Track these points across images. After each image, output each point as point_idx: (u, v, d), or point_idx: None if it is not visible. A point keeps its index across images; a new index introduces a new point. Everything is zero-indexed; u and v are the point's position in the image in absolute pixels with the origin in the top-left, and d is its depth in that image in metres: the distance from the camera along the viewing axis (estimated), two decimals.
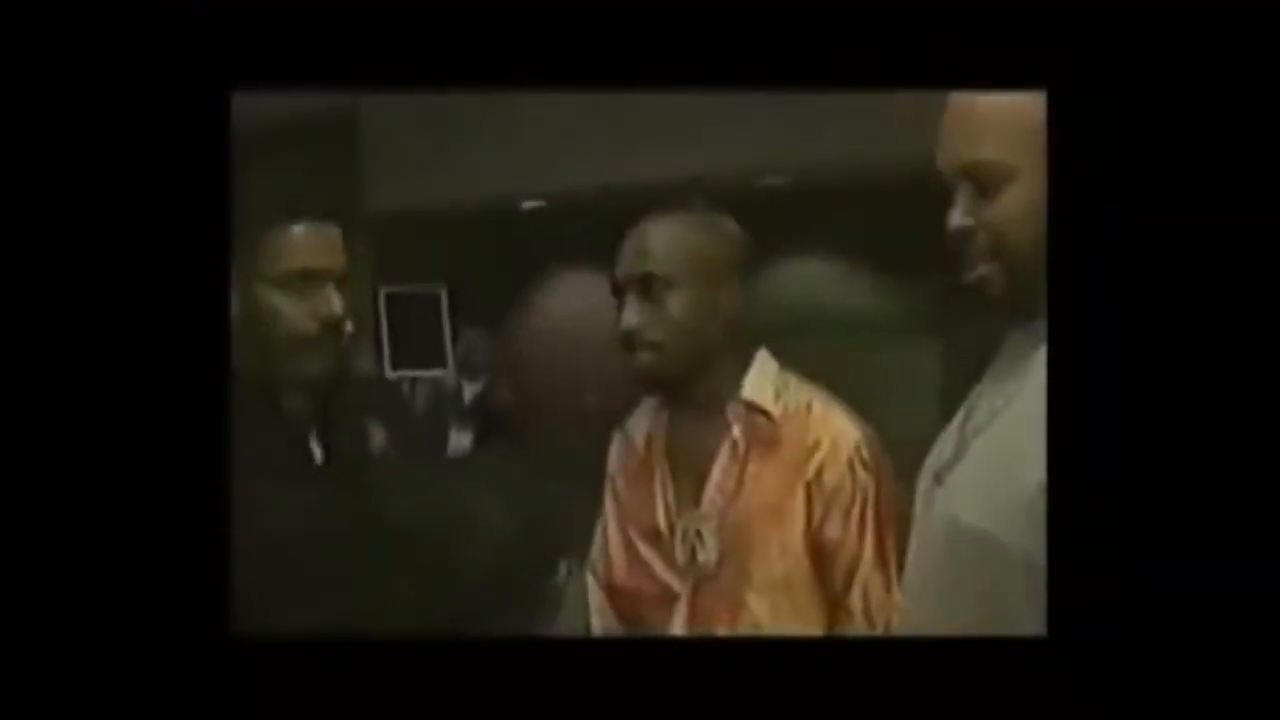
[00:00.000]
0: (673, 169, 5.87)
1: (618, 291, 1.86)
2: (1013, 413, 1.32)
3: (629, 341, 1.84)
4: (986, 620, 1.29)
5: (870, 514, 1.80)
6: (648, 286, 1.83)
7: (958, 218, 1.33)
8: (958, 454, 1.37)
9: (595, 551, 1.99)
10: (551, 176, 6.36)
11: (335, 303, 1.85)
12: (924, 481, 1.45)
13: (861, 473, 1.82)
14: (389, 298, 7.39)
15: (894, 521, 1.79)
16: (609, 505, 1.98)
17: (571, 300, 7.23)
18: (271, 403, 1.86)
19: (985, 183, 1.31)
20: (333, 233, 1.90)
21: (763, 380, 1.89)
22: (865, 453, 1.83)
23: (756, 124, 5.65)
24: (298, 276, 1.84)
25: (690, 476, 1.86)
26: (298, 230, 1.86)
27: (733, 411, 1.87)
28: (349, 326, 1.88)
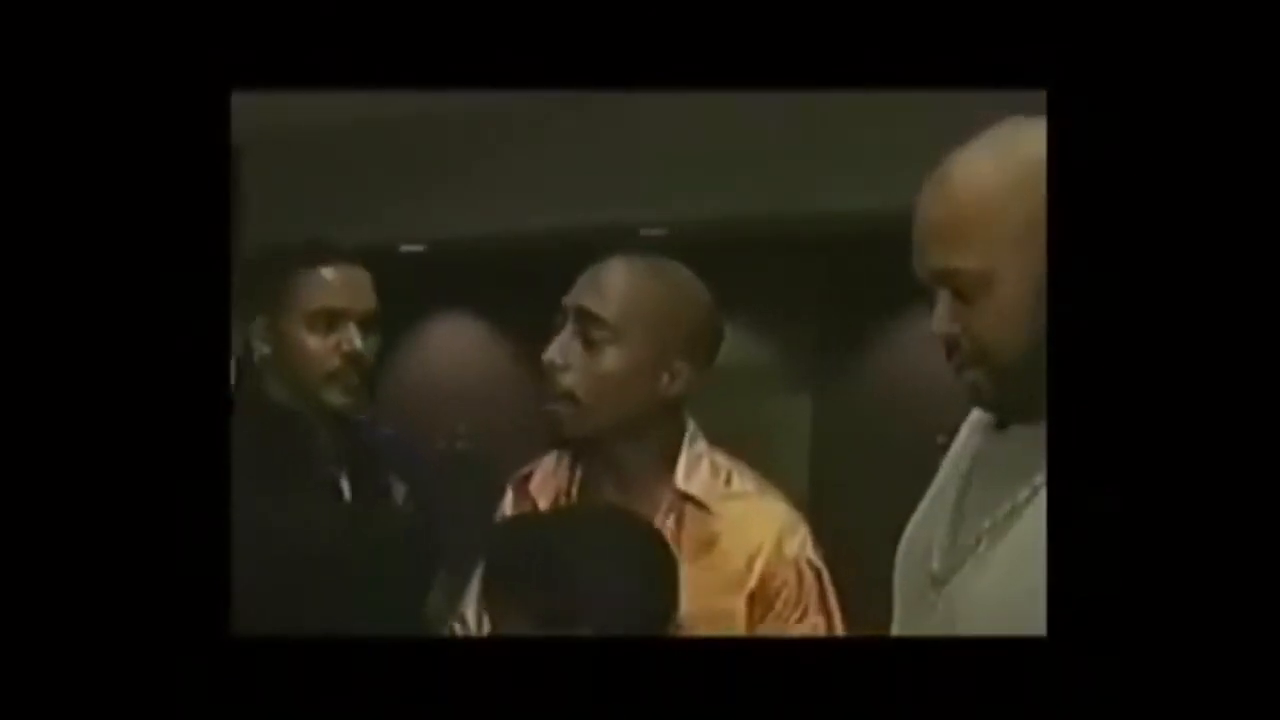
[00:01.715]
0: (556, 217, 5.87)
1: (561, 318, 1.62)
2: (1025, 526, 1.25)
3: (548, 376, 1.60)
4: None
5: (819, 617, 1.62)
6: (586, 328, 1.59)
7: (941, 324, 1.25)
8: (960, 559, 1.29)
9: (468, 610, 1.74)
10: (431, 221, 6.27)
11: (356, 339, 1.97)
12: (911, 576, 1.37)
13: (809, 575, 1.62)
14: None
15: (838, 613, 1.64)
16: None
17: (447, 345, 7.07)
18: (307, 437, 1.99)
19: (963, 289, 1.22)
20: (359, 274, 2.04)
21: (695, 463, 1.64)
22: (811, 553, 1.63)
23: (641, 174, 5.59)
24: (322, 315, 1.98)
25: None
26: (325, 271, 2.01)
27: (665, 500, 1.62)
28: (359, 368, 1.99)
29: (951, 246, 1.22)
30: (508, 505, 1.74)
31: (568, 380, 1.57)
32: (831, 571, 1.67)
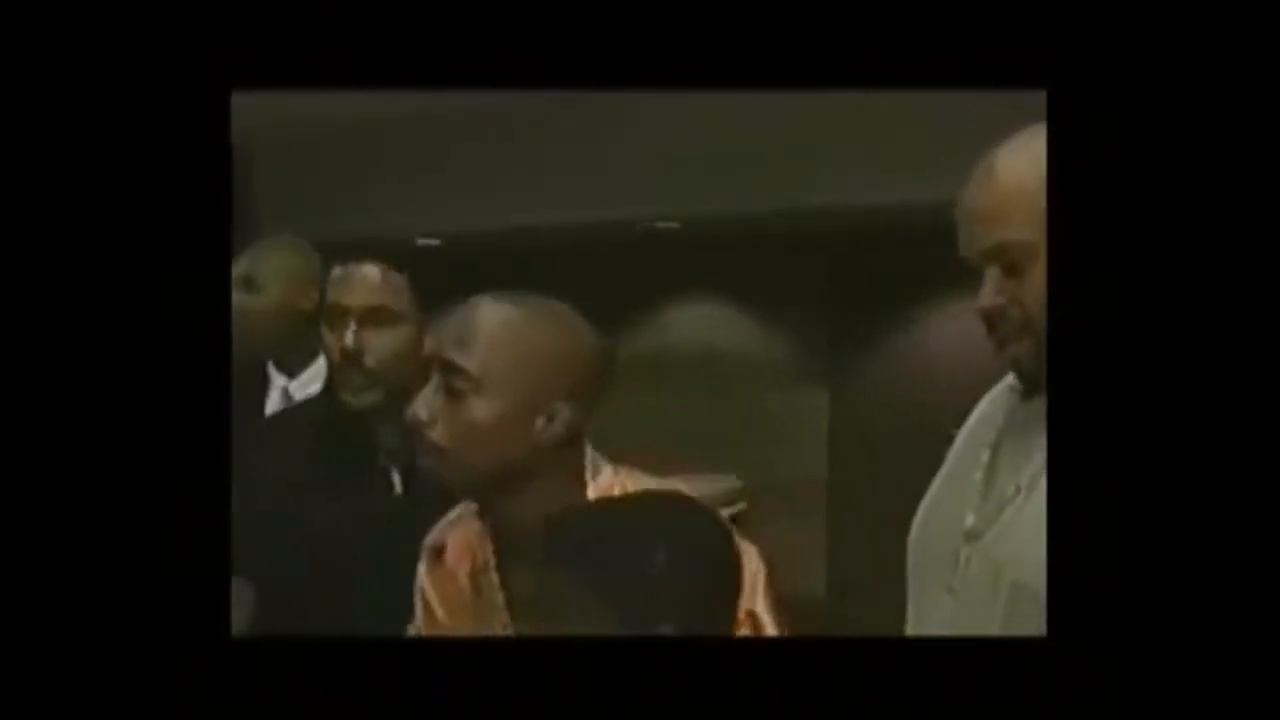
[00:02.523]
0: (571, 211, 5.87)
1: (425, 365, 1.52)
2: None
3: (414, 432, 1.51)
4: None
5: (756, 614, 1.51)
6: (449, 378, 1.48)
7: (988, 297, 1.34)
8: (996, 512, 1.37)
9: None
10: (448, 215, 6.30)
11: (348, 336, 2.03)
12: (937, 540, 1.44)
13: (767, 622, 1.51)
14: None
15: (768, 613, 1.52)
16: (436, 631, 1.63)
17: None
18: (365, 430, 2.07)
19: (1012, 262, 1.32)
20: (363, 270, 2.10)
21: (607, 494, 1.54)
22: (764, 586, 1.51)
23: (654, 169, 5.61)
24: (329, 312, 2.09)
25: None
26: (335, 268, 2.12)
27: None
28: (370, 362, 2.05)
29: (999, 224, 1.32)
30: (425, 584, 1.64)
31: (434, 434, 1.48)
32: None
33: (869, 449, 6.20)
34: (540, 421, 1.48)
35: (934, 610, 1.44)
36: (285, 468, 2.13)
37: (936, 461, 1.55)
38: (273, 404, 2.67)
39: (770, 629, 1.49)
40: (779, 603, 1.52)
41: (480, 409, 1.47)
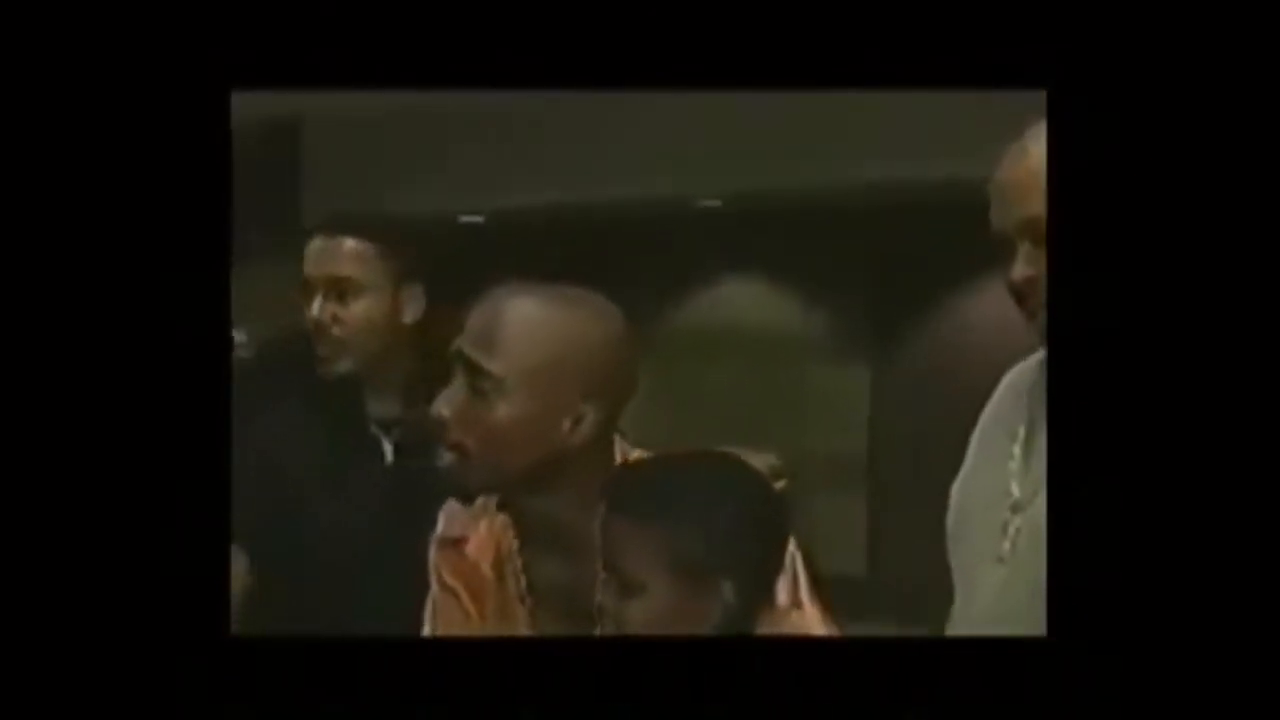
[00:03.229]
0: (610, 189, 5.88)
1: (449, 362, 1.48)
2: None
3: (437, 430, 1.46)
4: None
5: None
6: (474, 378, 1.44)
7: (1021, 269, 1.37)
8: (1039, 485, 1.37)
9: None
10: (490, 192, 6.33)
11: (314, 307, 2.09)
12: (982, 511, 1.47)
13: (815, 621, 1.47)
14: None
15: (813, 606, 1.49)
16: (458, 619, 1.59)
17: None
18: (356, 400, 2.13)
19: (1043, 236, 1.33)
20: (333, 242, 2.12)
21: None
22: (807, 596, 1.47)
23: (696, 146, 5.62)
24: (305, 284, 2.12)
25: (561, 614, 1.51)
26: (313, 241, 2.13)
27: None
28: (337, 332, 2.09)
29: (1031, 199, 1.34)
30: (444, 573, 1.61)
31: (457, 434, 1.44)
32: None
33: (910, 426, 6.22)
34: (567, 424, 1.44)
35: (984, 581, 1.46)
36: (283, 446, 2.19)
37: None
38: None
39: (813, 613, 1.47)
40: (817, 583, 1.50)
41: (504, 411, 1.43)
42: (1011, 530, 1.42)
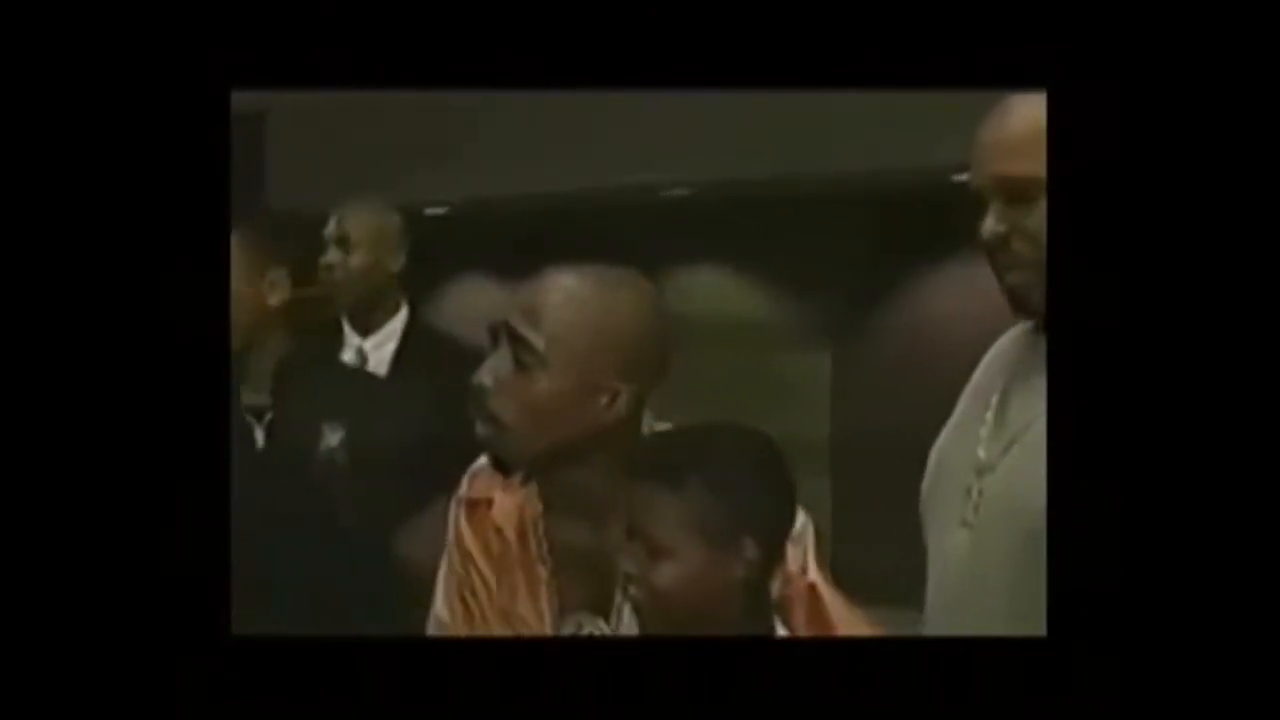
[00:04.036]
0: (576, 178, 5.88)
1: (493, 333, 1.52)
2: None
3: (477, 399, 1.51)
4: None
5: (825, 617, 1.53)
6: (517, 351, 1.49)
7: (991, 224, 1.38)
8: (1006, 449, 1.42)
9: (442, 612, 1.69)
10: (456, 184, 6.32)
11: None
12: (951, 473, 1.48)
13: (825, 591, 1.53)
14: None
15: (845, 617, 1.55)
16: (474, 581, 1.64)
17: (471, 306, 7.07)
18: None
19: (1019, 194, 1.35)
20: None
21: None
22: (814, 565, 1.53)
23: (663, 135, 5.62)
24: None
25: (582, 578, 1.56)
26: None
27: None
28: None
29: (1010, 155, 1.36)
30: (464, 531, 1.66)
31: (496, 404, 1.49)
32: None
33: (871, 409, 6.27)
34: (604, 400, 1.49)
35: (952, 547, 1.46)
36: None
37: (937, 420, 1.59)
38: (348, 359, 2.83)
39: (819, 578, 1.53)
40: (822, 552, 1.56)
41: (544, 384, 1.48)
42: (975, 494, 1.43)
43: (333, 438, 2.59)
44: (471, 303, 7.24)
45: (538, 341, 1.47)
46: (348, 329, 2.85)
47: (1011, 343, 1.53)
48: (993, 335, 1.57)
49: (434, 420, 2.52)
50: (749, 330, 6.91)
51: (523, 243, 6.56)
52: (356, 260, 2.81)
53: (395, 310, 2.83)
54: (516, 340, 1.49)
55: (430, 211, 6.65)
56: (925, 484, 1.55)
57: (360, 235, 2.82)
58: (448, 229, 6.60)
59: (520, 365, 1.48)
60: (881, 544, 1.68)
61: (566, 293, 1.50)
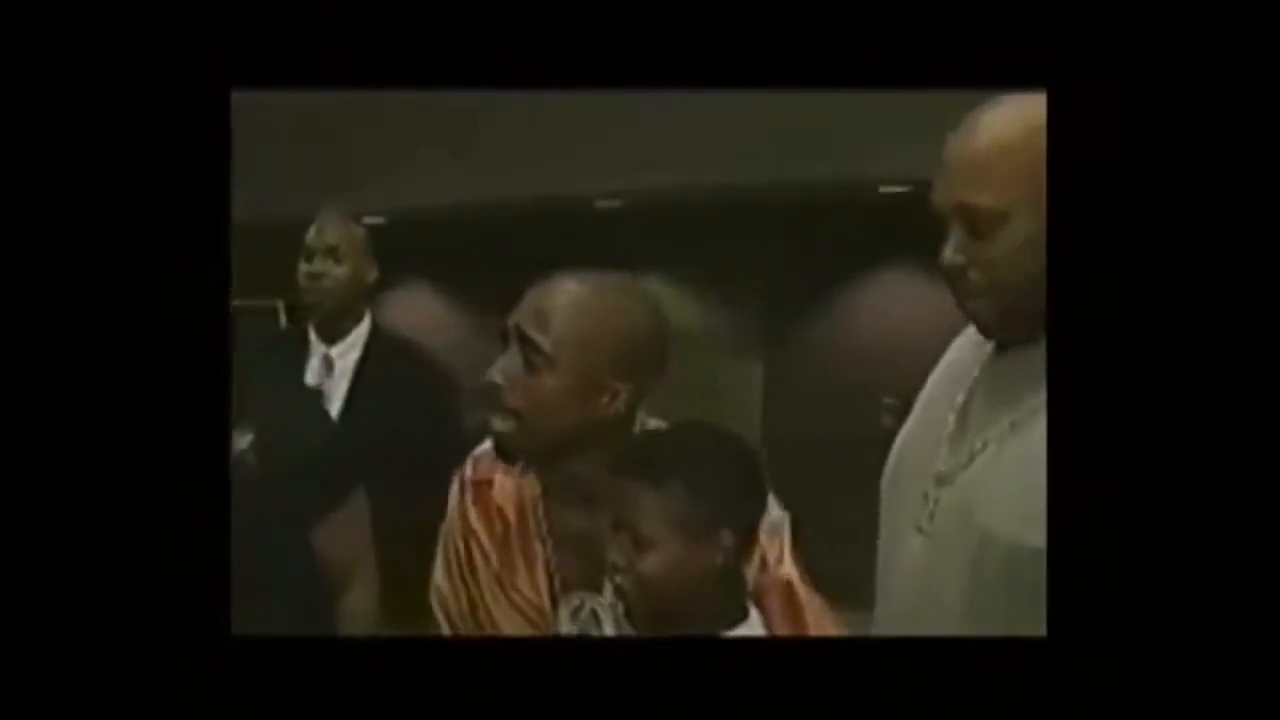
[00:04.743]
0: (514, 189, 5.90)
1: (504, 335, 1.66)
2: (1030, 435, 1.36)
3: (492, 394, 1.64)
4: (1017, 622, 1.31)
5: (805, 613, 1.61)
6: (527, 351, 1.62)
7: (949, 254, 1.39)
8: (965, 463, 1.42)
9: (443, 583, 1.80)
10: (394, 193, 6.31)
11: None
12: (908, 480, 1.50)
13: (801, 589, 1.61)
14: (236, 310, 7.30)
15: (815, 605, 1.62)
16: (475, 556, 1.77)
17: (408, 316, 7.10)
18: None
19: (979, 226, 1.35)
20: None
21: None
22: (790, 557, 1.62)
23: (597, 146, 5.66)
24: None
25: (579, 558, 1.69)
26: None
27: None
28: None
29: (973, 184, 1.36)
30: (468, 509, 1.78)
31: (510, 399, 1.62)
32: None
33: (801, 417, 6.34)
34: (605, 399, 1.63)
35: (905, 550, 1.48)
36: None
37: (872, 428, 1.62)
38: (313, 371, 2.90)
39: (793, 573, 1.62)
40: (796, 548, 1.65)
41: (551, 383, 1.61)
42: (932, 502, 1.45)
43: (242, 440, 2.56)
44: (409, 311, 7.25)
45: (546, 344, 1.61)
46: (314, 338, 2.93)
47: (971, 351, 1.52)
48: (922, 342, 1.62)
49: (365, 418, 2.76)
50: (682, 339, 6.95)
51: (459, 252, 6.60)
52: (343, 270, 2.91)
53: (360, 319, 2.94)
54: (526, 342, 1.62)
55: (369, 220, 6.64)
56: (886, 476, 1.58)
57: (346, 245, 2.92)
58: (385, 238, 6.58)
59: (530, 365, 1.62)
60: (814, 544, 1.73)
61: (573, 299, 1.63)
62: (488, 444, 1.74)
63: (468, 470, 1.81)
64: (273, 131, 6.30)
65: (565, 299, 1.64)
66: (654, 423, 1.71)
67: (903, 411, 1.62)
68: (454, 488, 1.81)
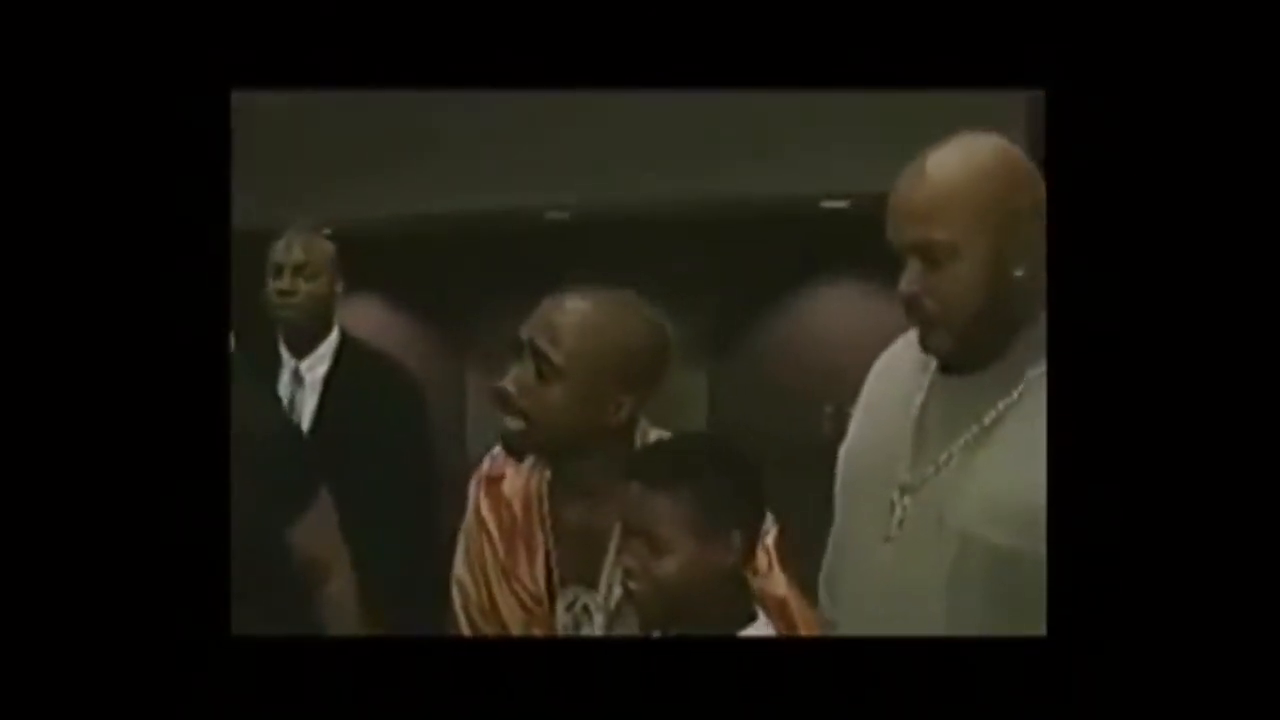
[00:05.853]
0: (462, 201, 5.91)
1: (517, 346, 1.74)
2: (992, 448, 1.43)
3: (505, 401, 1.73)
4: (996, 621, 1.35)
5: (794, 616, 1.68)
6: (539, 363, 1.71)
7: (905, 285, 1.45)
8: (931, 474, 1.47)
9: (464, 576, 1.88)
10: (341, 204, 6.27)
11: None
12: (869, 487, 1.54)
13: (796, 603, 1.68)
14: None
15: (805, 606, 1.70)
16: (485, 547, 1.85)
17: (357, 328, 7.06)
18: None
19: (935, 257, 1.42)
20: (298, 237, 2.94)
21: None
22: (779, 564, 1.69)
23: (546, 158, 5.67)
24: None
25: (577, 551, 1.77)
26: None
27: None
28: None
29: (926, 222, 1.43)
30: (481, 503, 1.87)
31: (522, 403, 1.72)
32: None
33: (745, 423, 6.43)
34: (611, 408, 1.73)
35: (872, 558, 1.50)
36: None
37: (815, 436, 1.67)
38: (284, 384, 2.94)
39: (780, 577, 1.69)
40: (784, 553, 1.72)
41: (560, 392, 1.71)
42: (899, 510, 1.49)
43: None
44: (359, 324, 7.22)
45: (558, 357, 1.70)
46: (285, 353, 2.96)
47: (907, 361, 1.56)
48: (861, 353, 1.70)
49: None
50: None
51: (406, 264, 6.62)
52: (315, 286, 2.94)
53: (328, 332, 2.98)
54: (538, 355, 1.72)
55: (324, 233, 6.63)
56: (838, 486, 1.64)
57: (317, 262, 2.95)
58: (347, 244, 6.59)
59: (541, 376, 1.71)
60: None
61: (582, 315, 1.74)
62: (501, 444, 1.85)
63: (485, 467, 1.90)
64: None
65: (576, 316, 1.74)
66: (656, 432, 1.80)
67: (841, 418, 1.69)
68: (472, 484, 1.90)
